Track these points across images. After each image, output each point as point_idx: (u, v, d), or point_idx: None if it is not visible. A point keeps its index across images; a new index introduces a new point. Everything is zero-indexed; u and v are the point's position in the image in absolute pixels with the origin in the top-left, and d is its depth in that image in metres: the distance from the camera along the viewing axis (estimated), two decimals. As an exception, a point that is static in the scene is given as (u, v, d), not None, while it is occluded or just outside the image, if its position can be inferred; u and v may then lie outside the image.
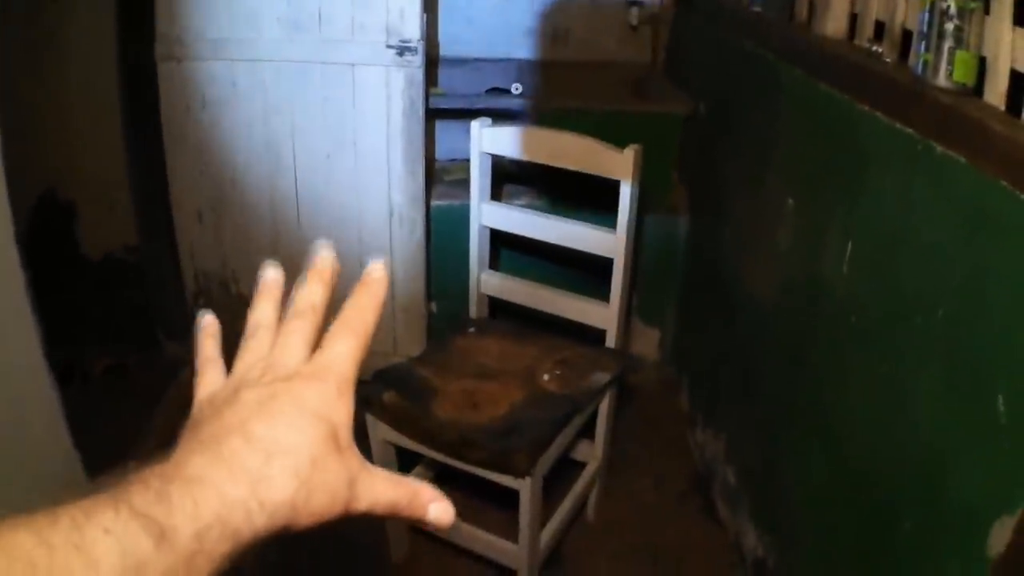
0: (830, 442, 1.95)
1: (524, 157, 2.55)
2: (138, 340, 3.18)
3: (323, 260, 0.72)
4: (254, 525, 0.54)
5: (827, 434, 1.97)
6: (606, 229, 2.42)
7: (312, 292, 0.70)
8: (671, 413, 3.33)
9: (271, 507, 0.55)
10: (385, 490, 0.64)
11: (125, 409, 2.90)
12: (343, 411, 0.63)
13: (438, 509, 0.65)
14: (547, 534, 2.38)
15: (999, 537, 1.27)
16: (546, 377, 2.37)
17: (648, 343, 3.48)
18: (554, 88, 3.28)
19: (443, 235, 3.03)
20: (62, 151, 3.03)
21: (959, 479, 1.41)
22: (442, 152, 3.37)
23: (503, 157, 2.58)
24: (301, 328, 0.67)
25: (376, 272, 0.71)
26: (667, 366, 3.48)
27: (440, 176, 3.22)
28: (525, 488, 2.10)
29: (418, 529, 2.57)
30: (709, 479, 2.90)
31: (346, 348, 0.66)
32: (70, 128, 3.03)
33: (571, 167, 2.42)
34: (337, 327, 0.67)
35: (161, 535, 0.50)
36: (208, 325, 0.74)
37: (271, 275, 0.74)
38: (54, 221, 3.02)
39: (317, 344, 0.67)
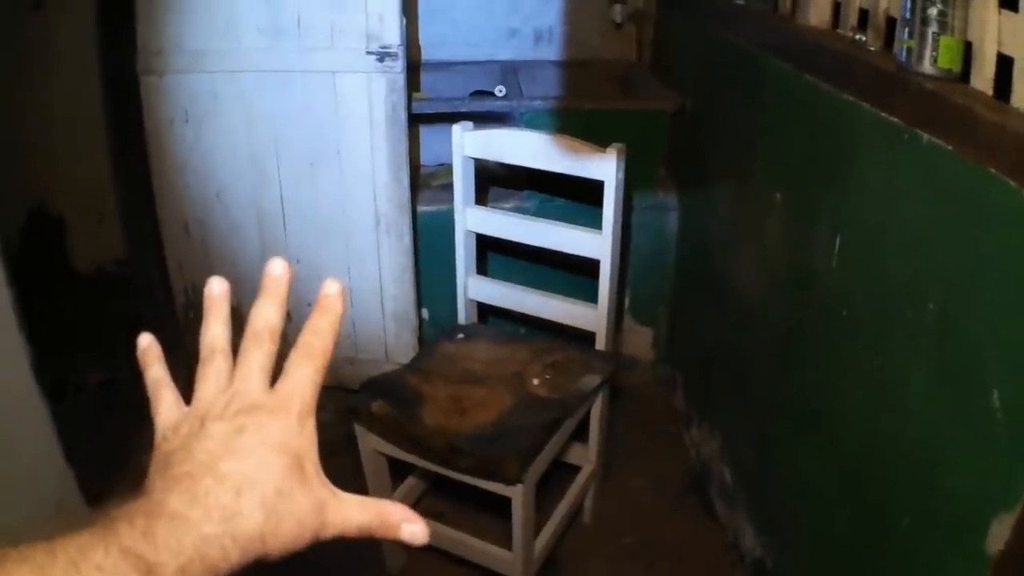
0: (824, 439, 1.93)
1: (506, 160, 2.54)
2: (129, 354, 3.14)
3: (276, 277, 0.72)
4: (229, 558, 0.58)
5: (821, 431, 1.95)
6: (592, 230, 2.40)
7: (267, 313, 0.71)
8: (666, 412, 3.31)
9: (243, 539, 0.59)
10: (356, 514, 0.67)
11: (118, 423, 2.87)
12: (306, 441, 0.66)
13: (411, 529, 0.68)
14: (542, 540, 2.36)
15: (998, 534, 1.24)
16: (535, 381, 2.35)
17: (641, 342, 3.46)
18: (539, 88, 3.25)
19: (432, 241, 3.01)
20: (50, 165, 3.01)
21: (955, 475, 1.39)
22: (428, 157, 3.34)
23: (487, 161, 2.56)
24: (259, 355, 0.69)
25: (331, 289, 0.72)
26: (661, 365, 3.46)
27: (427, 182, 3.20)
28: (517, 495, 2.08)
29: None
30: (706, 478, 2.88)
31: (306, 374, 0.68)
32: (58, 142, 3.01)
33: (554, 169, 2.40)
34: (297, 353, 0.69)
35: (148, 572, 0.54)
36: (149, 348, 0.75)
37: (217, 290, 0.74)
38: (44, 235, 3.00)
39: (277, 367, 0.69)
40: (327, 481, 0.67)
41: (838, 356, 1.84)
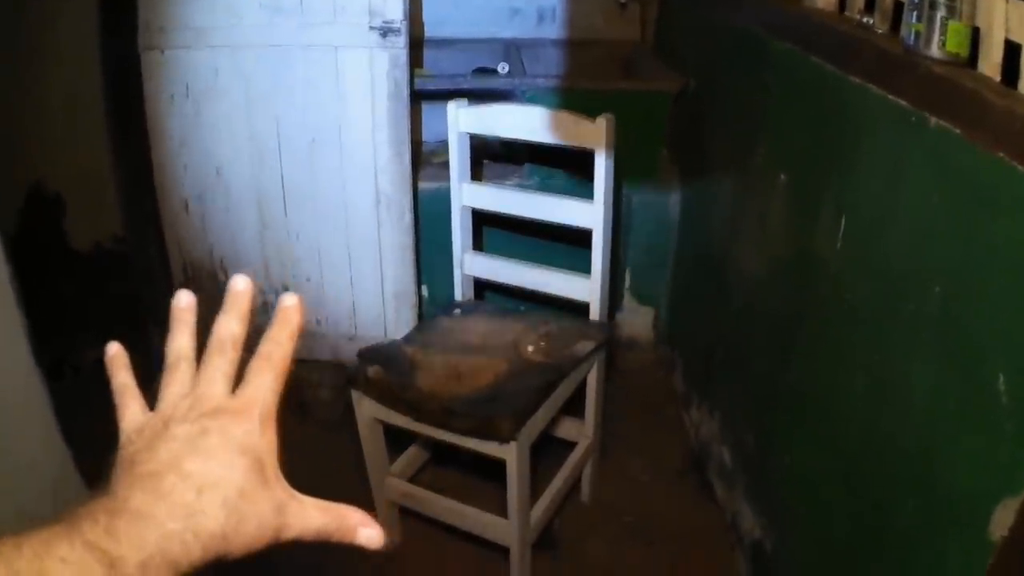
0: (825, 422, 1.92)
1: (500, 134, 2.56)
2: (128, 331, 3.14)
3: (239, 292, 0.75)
4: (190, 555, 0.60)
5: (821, 414, 1.94)
6: (584, 200, 2.40)
7: (231, 325, 0.73)
8: (666, 393, 3.31)
9: (204, 537, 0.61)
10: (314, 516, 0.70)
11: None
12: (267, 443, 0.68)
13: (367, 533, 0.72)
14: (538, 510, 2.36)
15: (1002, 520, 1.23)
16: (530, 349, 2.35)
17: (642, 323, 3.46)
18: (542, 67, 3.24)
19: (432, 218, 3.00)
20: (49, 145, 3.00)
21: (958, 460, 1.37)
22: (429, 135, 3.33)
23: (485, 137, 2.56)
24: (222, 363, 0.71)
25: (289, 301, 0.75)
26: (661, 345, 3.46)
27: (427, 159, 3.19)
28: (511, 456, 2.08)
29: (410, 513, 2.56)
30: (705, 459, 2.87)
31: (266, 381, 0.70)
32: (57, 122, 3.00)
33: (546, 140, 2.41)
34: (257, 361, 0.71)
35: (111, 565, 0.56)
36: (116, 355, 0.76)
37: (184, 302, 0.76)
38: (42, 215, 2.99)
39: (238, 376, 0.71)
40: (287, 484, 0.69)
41: (840, 340, 1.84)
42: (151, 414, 0.70)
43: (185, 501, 0.61)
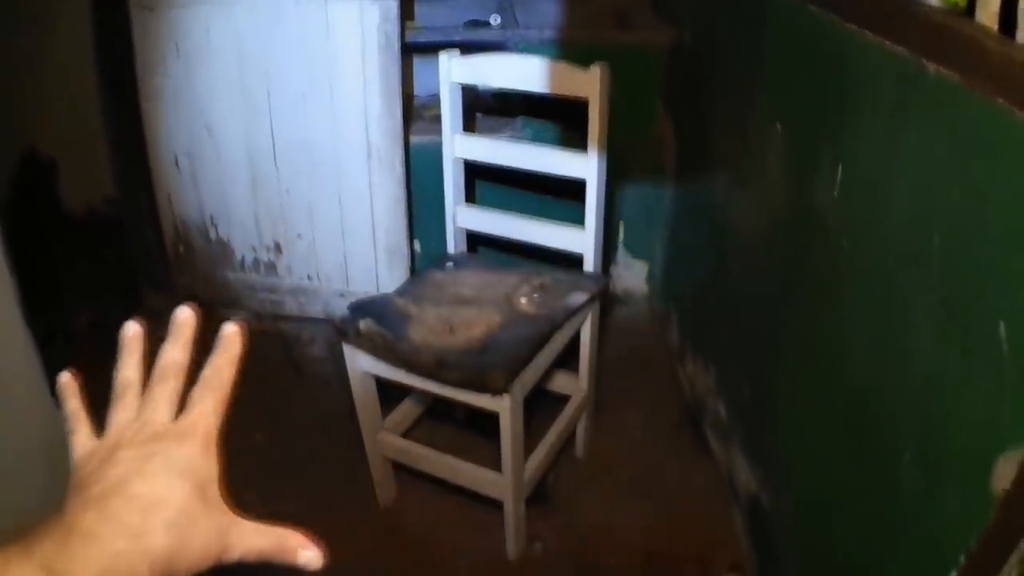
0: (822, 374, 1.91)
1: (493, 84, 2.53)
2: (120, 294, 3.14)
3: (182, 322, 0.80)
4: (137, 574, 0.62)
5: (819, 365, 1.92)
6: (578, 151, 2.37)
7: (174, 353, 0.78)
8: (660, 347, 3.30)
9: (149, 557, 0.63)
10: (255, 538, 0.72)
11: (108, 364, 2.87)
12: (210, 466, 0.72)
13: (307, 555, 0.75)
14: (532, 465, 2.36)
15: (1004, 472, 1.22)
16: (523, 301, 2.33)
17: (636, 277, 3.45)
18: (535, 19, 3.20)
19: (424, 173, 2.98)
20: (41, 109, 2.97)
21: (959, 411, 1.35)
22: (421, 88, 3.30)
23: (477, 89, 2.53)
24: (166, 390, 0.75)
25: (229, 330, 0.79)
26: (655, 299, 3.45)
27: (419, 113, 3.16)
28: (504, 408, 2.07)
29: (404, 469, 2.56)
30: (700, 413, 2.87)
31: (208, 406, 0.75)
32: (48, 85, 2.97)
33: (539, 90, 2.37)
34: (200, 387, 0.76)
35: None
36: (66, 384, 0.80)
37: (131, 331, 0.81)
38: (36, 179, 2.96)
39: (182, 402, 0.76)
40: (228, 508, 0.72)
41: (838, 289, 1.82)
42: (101, 439, 0.73)
43: (131, 522, 0.63)
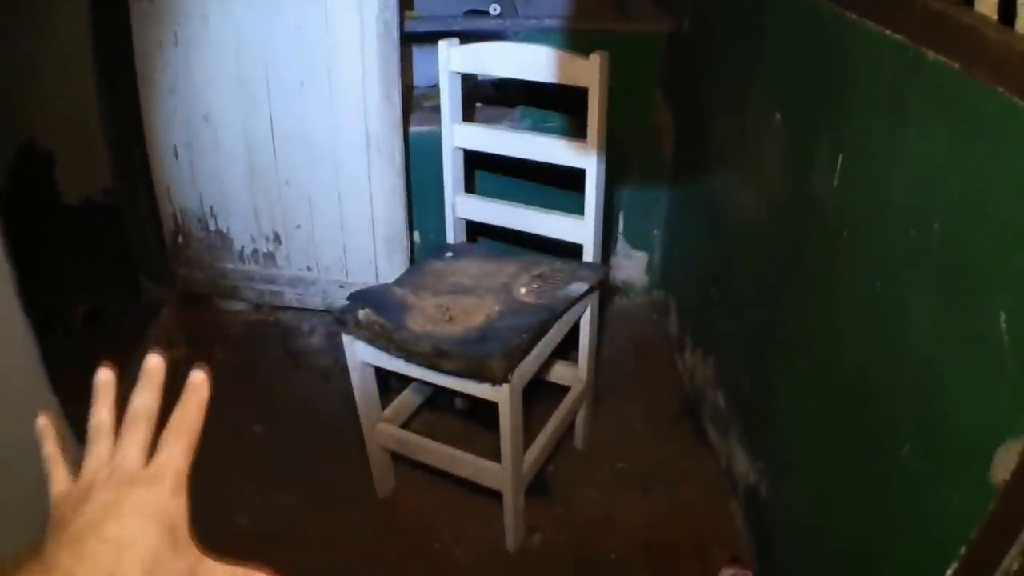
0: (821, 364, 1.90)
1: (492, 73, 2.51)
2: (119, 284, 3.13)
3: (151, 369, 0.81)
4: None
5: (818, 355, 1.92)
6: (578, 140, 2.36)
7: (145, 399, 0.79)
8: (659, 338, 3.29)
9: None
10: None
11: (106, 353, 2.86)
12: (179, 508, 0.73)
13: None
14: (531, 455, 2.35)
15: (1004, 463, 1.21)
16: (523, 290, 2.32)
17: (635, 267, 3.44)
18: (534, 8, 3.18)
19: (423, 163, 2.96)
20: (40, 102, 2.96)
21: (959, 402, 1.35)
22: (420, 78, 3.28)
23: (477, 78, 2.52)
24: (137, 435, 0.77)
25: (196, 378, 0.80)
26: (655, 290, 3.44)
27: (419, 103, 3.15)
28: (503, 398, 2.06)
29: (403, 460, 2.55)
30: (699, 404, 2.86)
31: (177, 450, 0.76)
32: (47, 79, 2.96)
33: (539, 79, 2.36)
34: (168, 432, 0.77)
35: None
36: (44, 427, 0.83)
37: (103, 378, 0.82)
38: (34, 171, 2.96)
39: (153, 445, 0.77)
40: (196, 549, 0.74)
41: (838, 278, 1.81)
42: (76, 482, 0.76)
43: (106, 562, 0.65)
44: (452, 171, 2.58)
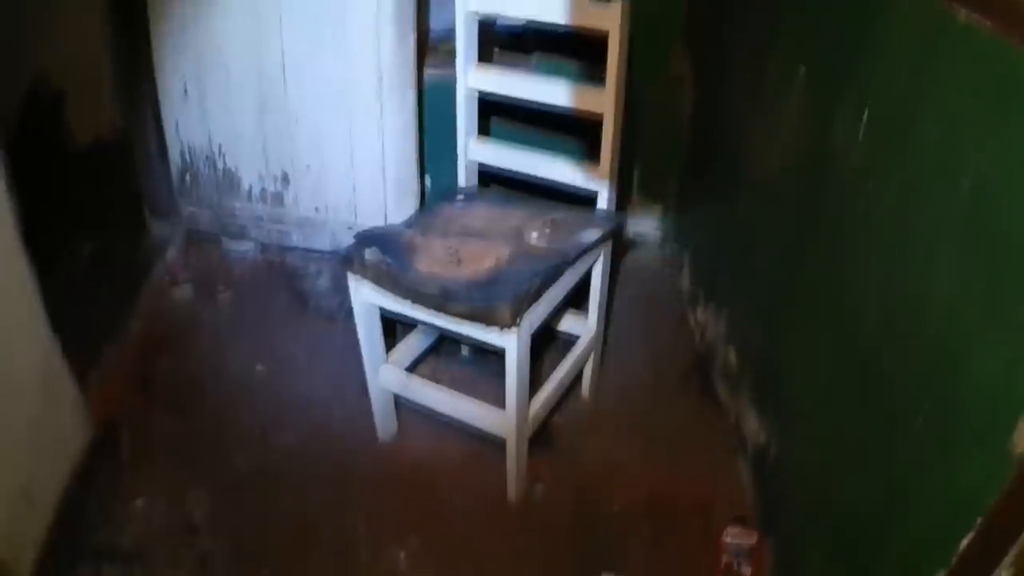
0: (838, 323, 1.85)
1: (510, 13, 2.45)
2: (125, 223, 3.10)
3: None
4: None
5: (835, 315, 1.87)
6: (596, 86, 2.30)
7: None
8: (671, 292, 3.25)
9: None
10: None
11: (109, 293, 2.85)
12: None
13: None
14: (537, 403, 2.32)
15: (1025, 434, 1.17)
16: (535, 236, 2.28)
17: (649, 221, 3.41)
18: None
19: (436, 109, 2.91)
20: (50, 39, 2.91)
21: (981, 368, 1.29)
22: (436, 23, 3.22)
23: (494, 23, 2.46)
24: None
25: None
26: (668, 244, 3.40)
27: (434, 48, 3.09)
28: (511, 344, 2.03)
29: (408, 407, 2.53)
30: (709, 360, 2.83)
31: None
32: (57, 15, 2.90)
33: (558, 21, 2.30)
34: None
35: None
36: None
37: None
38: (44, 111, 2.91)
39: None
40: None
41: (859, 235, 1.76)
42: None
43: None
44: (466, 113, 2.53)
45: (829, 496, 1.87)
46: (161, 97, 3.08)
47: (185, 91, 3.03)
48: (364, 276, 2.17)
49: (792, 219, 2.14)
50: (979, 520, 1.26)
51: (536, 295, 2.05)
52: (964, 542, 1.29)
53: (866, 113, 1.73)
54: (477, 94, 2.52)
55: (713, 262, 2.87)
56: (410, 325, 2.55)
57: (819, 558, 1.89)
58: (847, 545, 1.74)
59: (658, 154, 3.25)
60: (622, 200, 3.23)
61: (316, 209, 3.12)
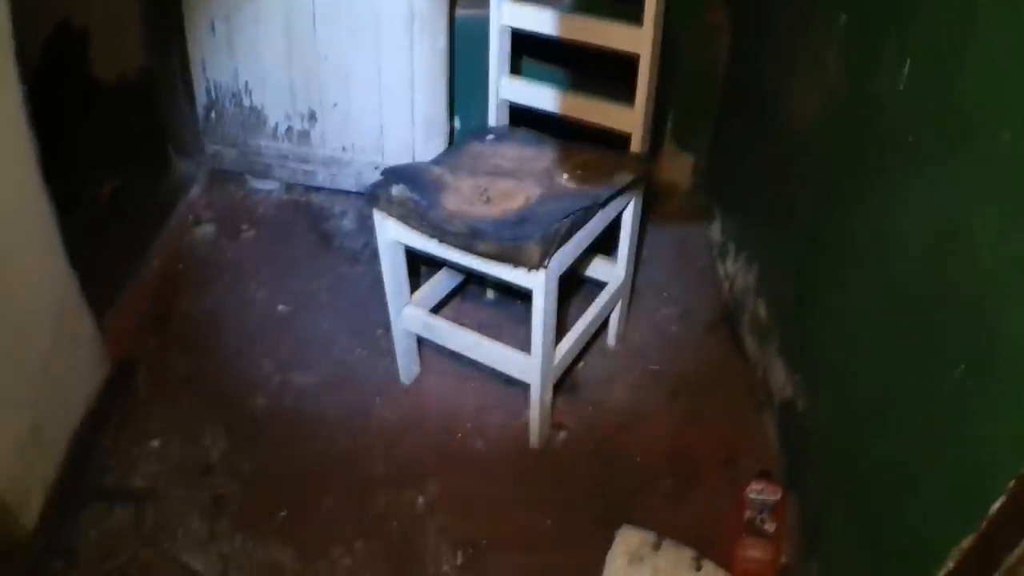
0: (872, 275, 1.80)
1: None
2: (149, 161, 3.07)
3: None
4: None
5: (869, 266, 1.82)
6: (632, 24, 2.24)
7: None
8: (702, 242, 3.21)
9: None
10: None
11: (129, 231, 2.82)
12: None
13: None
14: (563, 348, 2.29)
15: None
16: (565, 176, 2.23)
17: (681, 170, 3.35)
18: None
19: (468, 49, 2.86)
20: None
21: (1021, 322, 1.27)
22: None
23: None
24: None
25: None
26: (700, 193, 3.35)
27: (468, -15, 3.03)
28: (538, 285, 1.98)
29: (429, 348, 2.52)
30: (738, 312, 2.78)
31: None
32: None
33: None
34: None
35: None
36: None
37: None
38: (68, 49, 2.87)
39: None
40: None
41: (897, 187, 1.71)
42: None
43: None
44: (499, 50, 2.47)
45: (856, 452, 1.83)
46: (188, 35, 3.05)
47: (212, 28, 2.99)
48: (390, 213, 2.12)
49: (830, 169, 2.09)
50: (1011, 483, 1.21)
51: (566, 236, 2.00)
52: (995, 505, 1.24)
53: (908, 62, 1.67)
54: (510, 30, 2.46)
55: (745, 213, 2.82)
56: (435, 266, 2.50)
57: (843, 515, 1.85)
58: (873, 503, 1.70)
59: (692, 103, 3.18)
60: (654, 148, 3.18)
61: (343, 148, 3.08)
